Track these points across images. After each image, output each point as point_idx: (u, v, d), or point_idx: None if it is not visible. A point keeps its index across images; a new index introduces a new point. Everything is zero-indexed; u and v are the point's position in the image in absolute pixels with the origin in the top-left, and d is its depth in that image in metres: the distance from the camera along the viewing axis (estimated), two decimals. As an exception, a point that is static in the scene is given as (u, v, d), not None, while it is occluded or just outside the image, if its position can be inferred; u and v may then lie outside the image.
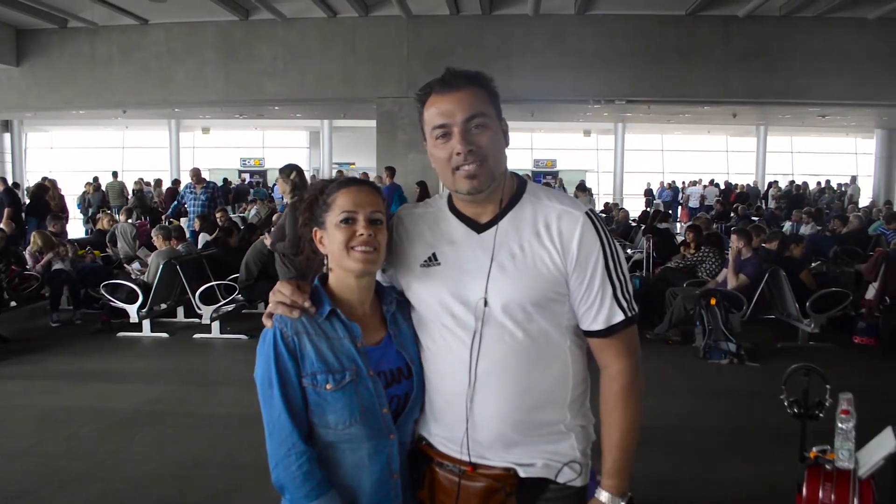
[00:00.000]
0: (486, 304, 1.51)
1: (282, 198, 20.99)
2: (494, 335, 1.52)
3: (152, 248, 8.08)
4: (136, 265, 8.28)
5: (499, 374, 1.52)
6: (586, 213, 1.55)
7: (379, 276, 1.67)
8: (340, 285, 1.58)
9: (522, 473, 1.56)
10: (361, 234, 1.51)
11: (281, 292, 1.54)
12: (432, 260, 1.59)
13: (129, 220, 10.55)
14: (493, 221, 1.57)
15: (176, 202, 11.31)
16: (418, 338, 1.62)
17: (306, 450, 1.49)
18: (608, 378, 1.59)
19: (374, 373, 1.53)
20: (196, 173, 10.39)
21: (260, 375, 1.52)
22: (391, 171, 10.64)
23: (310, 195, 1.63)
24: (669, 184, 23.48)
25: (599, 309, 1.54)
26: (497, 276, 1.52)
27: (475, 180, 1.50)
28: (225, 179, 21.23)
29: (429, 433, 1.64)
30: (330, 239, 1.55)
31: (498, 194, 1.56)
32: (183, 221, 10.28)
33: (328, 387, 1.49)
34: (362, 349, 1.53)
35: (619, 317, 1.55)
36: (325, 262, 1.60)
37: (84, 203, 17.12)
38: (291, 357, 1.50)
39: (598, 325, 1.55)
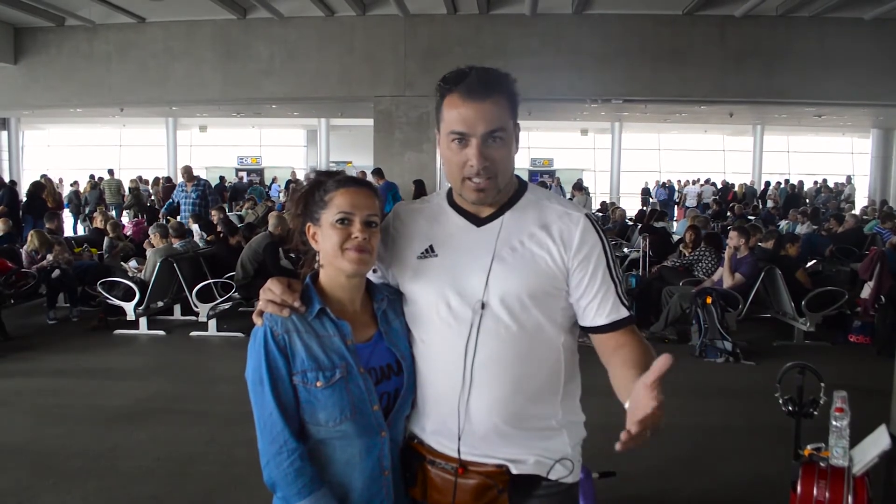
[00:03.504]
0: (483, 297, 1.52)
1: (278, 195, 20.76)
2: (490, 327, 1.53)
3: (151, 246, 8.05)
4: (133, 263, 8.26)
5: (493, 366, 1.53)
6: (585, 214, 1.59)
7: (370, 274, 1.67)
8: (331, 283, 1.58)
9: (514, 470, 1.56)
10: (356, 238, 1.51)
11: (271, 290, 1.54)
12: (429, 252, 1.60)
13: (107, 225, 9.94)
14: (493, 216, 1.59)
15: (171, 200, 11.29)
16: (411, 333, 1.62)
17: (297, 447, 1.49)
18: (621, 344, 1.55)
19: (364, 370, 1.54)
20: (187, 171, 10.35)
21: (251, 374, 1.53)
22: (379, 174, 10.65)
23: (306, 186, 1.61)
24: (664, 183, 23.49)
25: (603, 306, 1.56)
26: (495, 267, 1.53)
27: (483, 193, 1.54)
28: (221, 178, 21.18)
29: (421, 429, 1.63)
30: (324, 237, 1.55)
31: (500, 197, 1.59)
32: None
33: (318, 384, 1.50)
34: (352, 346, 1.54)
35: (624, 313, 1.57)
36: (317, 258, 1.60)
37: (74, 201, 17.03)
38: (282, 355, 1.50)
39: (601, 321, 1.57)
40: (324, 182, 1.57)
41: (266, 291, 1.55)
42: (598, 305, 1.56)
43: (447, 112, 1.53)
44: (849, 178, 23.22)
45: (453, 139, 1.52)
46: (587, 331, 1.60)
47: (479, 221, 1.60)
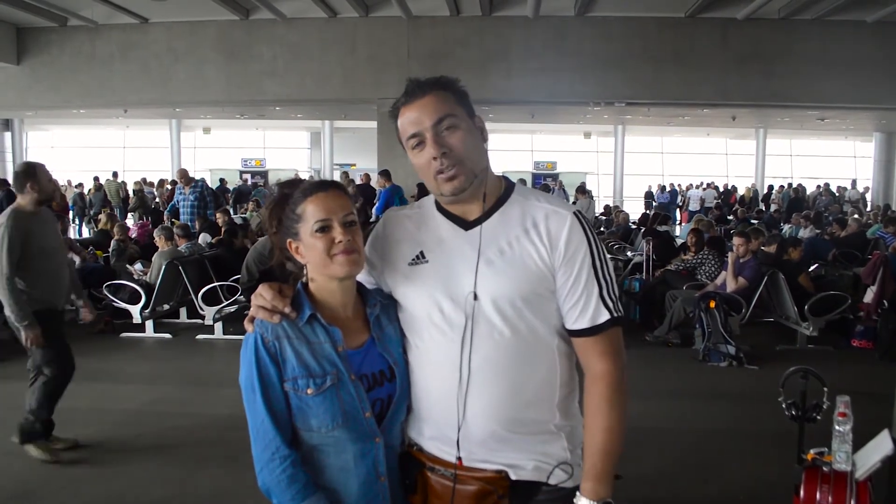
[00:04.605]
0: (475, 297, 1.52)
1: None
2: (484, 332, 1.52)
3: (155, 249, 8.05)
4: (138, 266, 8.28)
5: (488, 370, 1.53)
6: (574, 213, 1.57)
7: (363, 278, 1.67)
8: (322, 290, 1.58)
9: (514, 476, 1.56)
10: (341, 241, 1.50)
11: (262, 296, 1.55)
12: (420, 258, 1.60)
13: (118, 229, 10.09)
14: (481, 219, 1.58)
15: (172, 202, 11.31)
16: (406, 338, 1.62)
17: (290, 453, 1.50)
18: (592, 379, 1.57)
19: (355, 377, 1.53)
20: (183, 174, 10.37)
21: (243, 381, 1.53)
22: (386, 175, 10.67)
23: (274, 201, 1.59)
24: (667, 187, 23.48)
25: (585, 307, 1.54)
26: (485, 271, 1.53)
27: (456, 181, 1.53)
28: (222, 180, 21.18)
29: (419, 434, 1.63)
30: (308, 249, 1.53)
31: (481, 190, 1.57)
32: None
33: (309, 391, 1.49)
34: (343, 353, 1.53)
35: (605, 316, 1.54)
36: (304, 271, 1.59)
37: (79, 203, 17.06)
38: (273, 362, 1.50)
39: (583, 324, 1.55)
40: (289, 195, 1.56)
41: (257, 297, 1.56)
42: (582, 307, 1.54)
43: (400, 125, 1.57)
44: (853, 183, 23.19)
45: (412, 145, 1.55)
46: (570, 334, 1.58)
47: (466, 225, 1.59)
